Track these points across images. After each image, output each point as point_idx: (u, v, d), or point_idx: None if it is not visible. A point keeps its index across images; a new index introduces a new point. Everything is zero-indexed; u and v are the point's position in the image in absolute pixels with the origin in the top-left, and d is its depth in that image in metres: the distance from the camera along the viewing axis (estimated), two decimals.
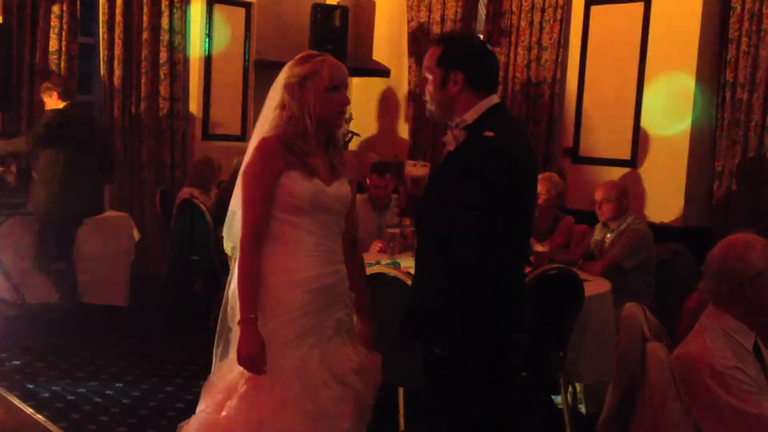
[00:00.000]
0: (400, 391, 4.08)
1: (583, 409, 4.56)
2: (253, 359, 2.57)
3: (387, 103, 8.25)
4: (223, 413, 2.65)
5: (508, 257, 2.63)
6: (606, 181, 5.45)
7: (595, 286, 4.32)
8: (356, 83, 8.38)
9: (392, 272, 3.87)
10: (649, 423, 2.56)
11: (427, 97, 2.73)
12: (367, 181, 5.47)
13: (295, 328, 2.64)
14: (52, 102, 5.65)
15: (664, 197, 6.07)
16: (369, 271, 3.89)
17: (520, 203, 2.64)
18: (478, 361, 2.60)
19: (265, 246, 2.66)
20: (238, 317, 2.64)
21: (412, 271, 3.82)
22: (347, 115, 7.84)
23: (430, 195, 2.74)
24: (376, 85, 8.29)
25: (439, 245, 2.61)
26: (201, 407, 2.76)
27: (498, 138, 2.55)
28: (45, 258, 5.75)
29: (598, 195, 5.09)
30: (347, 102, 2.73)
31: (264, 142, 2.67)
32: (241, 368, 2.64)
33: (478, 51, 2.73)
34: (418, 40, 7.64)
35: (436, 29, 7.47)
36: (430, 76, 2.69)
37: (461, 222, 2.54)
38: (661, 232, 5.63)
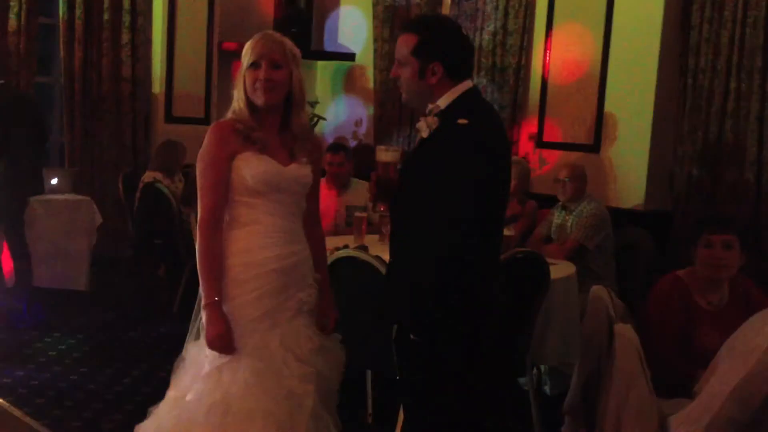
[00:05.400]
0: (368, 374, 4.09)
1: (547, 390, 4.62)
2: (220, 340, 2.59)
3: (352, 87, 8.23)
4: (189, 395, 2.66)
5: (483, 244, 2.64)
6: (570, 162, 5.51)
7: (560, 269, 4.35)
8: (321, 67, 8.34)
9: (362, 256, 3.87)
10: (616, 401, 2.60)
11: (403, 86, 2.70)
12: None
13: (254, 309, 2.65)
14: None
15: (627, 182, 6.15)
16: (338, 255, 3.91)
17: (494, 190, 2.64)
18: (452, 348, 2.62)
19: (224, 229, 2.67)
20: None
21: (382, 256, 3.87)
22: (314, 100, 7.84)
23: (404, 182, 2.74)
24: (342, 68, 8.27)
25: (413, 232, 2.61)
26: (170, 390, 2.76)
27: (471, 125, 2.54)
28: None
29: (563, 173, 5.14)
30: (263, 78, 2.62)
31: (216, 126, 2.68)
32: (207, 350, 2.64)
33: (456, 39, 2.67)
34: (384, 23, 7.62)
35: (402, 13, 7.46)
36: (405, 66, 2.65)
37: (435, 209, 2.54)
38: (623, 216, 5.71)
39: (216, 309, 2.59)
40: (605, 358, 2.70)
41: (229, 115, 2.71)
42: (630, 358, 2.54)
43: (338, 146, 5.58)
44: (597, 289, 2.90)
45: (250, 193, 2.65)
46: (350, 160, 5.39)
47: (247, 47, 2.68)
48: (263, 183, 2.64)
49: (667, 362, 2.89)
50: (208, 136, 2.66)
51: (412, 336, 2.60)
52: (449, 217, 2.53)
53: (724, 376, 2.55)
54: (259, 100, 2.65)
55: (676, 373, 2.87)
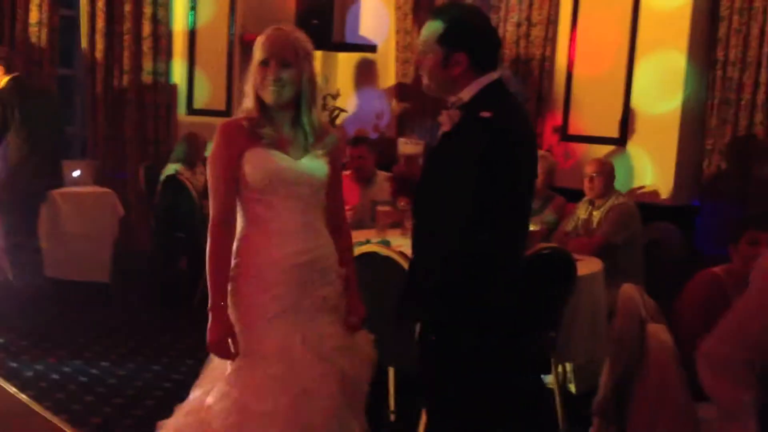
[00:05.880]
0: (391, 371, 4.04)
1: (572, 388, 4.55)
2: (219, 346, 2.56)
3: (374, 78, 8.15)
4: (209, 397, 2.62)
5: (506, 240, 2.57)
6: (598, 157, 5.44)
7: (587, 265, 4.27)
8: (343, 58, 8.28)
9: (384, 251, 3.81)
10: (650, 404, 2.52)
11: (425, 74, 2.63)
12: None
13: (273, 307, 2.60)
14: None
15: (654, 176, 6.05)
16: (360, 250, 3.84)
17: (519, 185, 2.56)
18: (474, 347, 2.56)
19: (239, 227, 2.63)
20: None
21: (403, 250, 3.81)
22: (335, 92, 7.79)
23: (426, 178, 2.67)
24: (363, 60, 8.19)
25: (434, 228, 2.55)
26: (194, 389, 2.73)
27: (495, 118, 2.46)
28: (11, 237, 5.57)
29: (590, 169, 5.07)
30: (272, 78, 2.57)
31: (223, 125, 2.65)
32: None
33: (483, 30, 2.59)
34: (407, 15, 7.55)
35: (424, 4, 7.37)
36: (429, 54, 2.58)
37: (456, 205, 2.48)
38: (650, 210, 5.60)
39: (218, 314, 2.56)
40: (637, 360, 2.63)
41: (240, 113, 2.67)
42: (665, 360, 2.45)
43: (358, 139, 5.53)
44: (628, 288, 2.82)
45: (262, 190, 2.60)
46: (373, 152, 5.31)
47: (258, 43, 2.63)
48: (273, 178, 2.59)
49: None
50: (216, 136, 2.63)
51: (432, 336, 2.54)
52: (470, 213, 2.45)
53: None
54: (268, 99, 2.61)
55: None
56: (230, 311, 2.62)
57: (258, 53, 2.61)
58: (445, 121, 2.57)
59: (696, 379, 2.71)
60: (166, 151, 7.15)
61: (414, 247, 2.69)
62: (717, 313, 2.86)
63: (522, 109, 2.80)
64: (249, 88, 2.64)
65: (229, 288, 2.62)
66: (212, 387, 2.64)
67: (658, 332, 2.54)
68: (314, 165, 2.66)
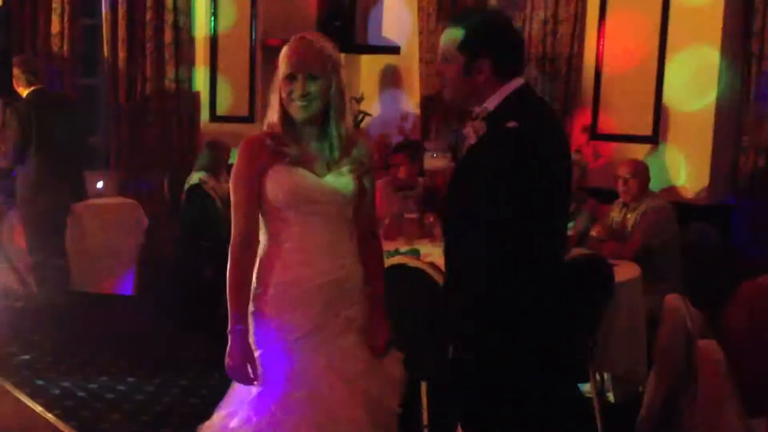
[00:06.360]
0: (423, 385, 3.93)
1: (611, 397, 4.42)
2: (237, 371, 2.48)
3: (397, 81, 8.05)
4: (233, 422, 2.54)
5: (541, 250, 2.46)
6: (631, 158, 5.30)
7: (624, 271, 4.14)
8: (366, 61, 8.18)
9: (414, 263, 3.70)
10: (702, 422, 2.39)
11: (447, 84, 2.52)
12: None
13: (297, 329, 2.51)
14: (20, 89, 5.38)
15: (688, 174, 5.90)
16: (389, 261, 3.73)
17: (550, 195, 2.45)
18: (509, 359, 2.45)
19: (263, 246, 2.55)
20: None
21: (432, 259, 3.70)
22: (359, 95, 7.68)
23: (453, 192, 2.56)
24: (387, 62, 8.09)
25: (465, 245, 2.44)
26: (219, 410, 2.64)
27: (522, 128, 2.35)
28: (35, 253, 5.49)
29: (624, 171, 4.94)
30: (299, 93, 2.46)
31: (247, 141, 2.56)
32: None
33: (505, 34, 2.48)
34: (430, 15, 7.43)
35: (448, 4, 7.25)
36: (450, 62, 2.47)
37: (486, 221, 2.36)
38: (685, 210, 5.46)
39: (237, 338, 2.47)
40: (685, 376, 2.49)
41: (264, 126, 2.57)
42: (718, 379, 2.32)
43: (399, 146, 5.42)
44: (672, 299, 2.69)
45: (285, 209, 2.51)
46: (414, 161, 5.15)
47: (284, 54, 2.52)
48: (296, 197, 2.50)
49: (758, 379, 2.67)
50: (238, 153, 2.55)
51: (469, 356, 2.44)
52: (501, 225, 2.34)
53: None
54: (295, 114, 2.51)
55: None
56: (252, 332, 2.53)
57: (284, 66, 2.50)
58: (470, 134, 2.46)
59: (748, 394, 2.59)
60: (190, 159, 7.09)
61: (447, 264, 2.58)
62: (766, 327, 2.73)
63: (551, 115, 2.69)
64: (275, 101, 2.53)
65: (250, 308, 2.54)
66: (235, 409, 2.56)
67: (709, 349, 2.40)
68: (340, 182, 2.56)
